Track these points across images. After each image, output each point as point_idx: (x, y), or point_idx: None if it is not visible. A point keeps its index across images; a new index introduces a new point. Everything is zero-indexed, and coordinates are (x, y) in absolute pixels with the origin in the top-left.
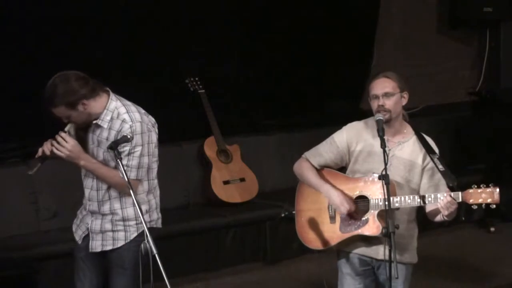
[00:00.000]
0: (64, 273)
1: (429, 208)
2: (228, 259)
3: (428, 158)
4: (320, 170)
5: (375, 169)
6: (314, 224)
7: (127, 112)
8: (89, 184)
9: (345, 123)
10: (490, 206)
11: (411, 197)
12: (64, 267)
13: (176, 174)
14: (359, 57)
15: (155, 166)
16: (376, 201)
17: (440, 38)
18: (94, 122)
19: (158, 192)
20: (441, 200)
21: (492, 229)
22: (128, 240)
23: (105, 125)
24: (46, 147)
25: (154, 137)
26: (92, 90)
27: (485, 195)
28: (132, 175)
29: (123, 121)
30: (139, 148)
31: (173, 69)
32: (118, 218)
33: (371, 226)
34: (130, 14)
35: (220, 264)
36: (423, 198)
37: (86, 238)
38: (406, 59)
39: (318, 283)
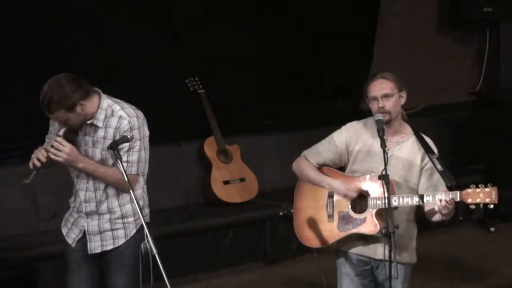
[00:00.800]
0: (64, 273)
1: (427, 207)
2: (228, 259)
3: (426, 158)
4: (319, 169)
5: (374, 168)
6: (312, 223)
7: (122, 108)
8: (83, 186)
9: (345, 123)
10: (488, 206)
11: (409, 196)
12: (64, 267)
13: (176, 174)
14: (359, 57)
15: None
16: (374, 200)
17: (440, 38)
18: (89, 122)
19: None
20: (438, 201)
21: (492, 229)
22: (128, 237)
23: (100, 124)
24: (41, 154)
25: (147, 131)
26: (86, 91)
27: (483, 195)
28: (133, 170)
29: (120, 117)
30: (138, 143)
31: (173, 69)
32: (117, 216)
33: (369, 225)
34: (130, 14)
35: (220, 264)
36: (421, 197)
37: (81, 240)
38: (406, 59)
39: (318, 283)
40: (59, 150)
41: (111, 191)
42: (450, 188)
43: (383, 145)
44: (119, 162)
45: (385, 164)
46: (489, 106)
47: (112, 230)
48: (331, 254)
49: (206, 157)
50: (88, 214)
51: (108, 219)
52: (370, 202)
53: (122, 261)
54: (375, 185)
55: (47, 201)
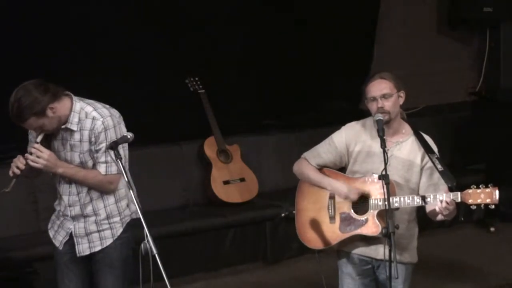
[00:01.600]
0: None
1: (429, 207)
2: (228, 259)
3: (427, 158)
4: (320, 170)
5: (375, 169)
6: (314, 224)
7: (95, 109)
8: (66, 191)
9: (345, 123)
10: (489, 206)
11: (411, 197)
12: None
13: (176, 174)
14: (359, 57)
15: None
16: (376, 201)
17: (440, 38)
18: (63, 126)
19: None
20: (439, 202)
21: (492, 229)
22: (116, 237)
23: (75, 128)
24: (20, 162)
25: (124, 128)
26: (54, 94)
27: (484, 196)
28: (113, 169)
29: (94, 118)
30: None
31: (173, 69)
32: (103, 217)
33: (371, 226)
34: (129, 14)
35: (220, 264)
36: (422, 198)
37: (68, 243)
38: (406, 59)
39: (318, 283)
40: (38, 157)
41: (94, 194)
42: (450, 189)
43: (383, 145)
44: (119, 162)
45: (385, 164)
46: (489, 106)
47: (98, 231)
48: (331, 255)
49: (206, 157)
50: (74, 218)
51: (94, 221)
52: (371, 203)
53: (110, 262)
54: (376, 186)
55: (47, 201)
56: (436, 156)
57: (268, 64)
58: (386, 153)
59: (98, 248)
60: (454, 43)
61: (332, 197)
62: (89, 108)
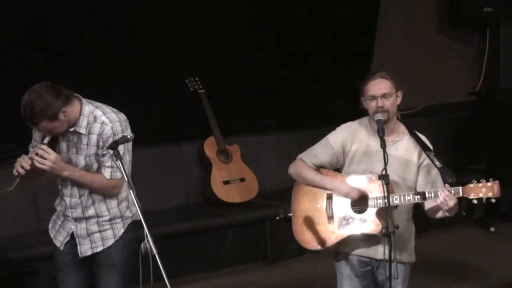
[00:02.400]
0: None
1: (429, 205)
2: (228, 259)
3: (423, 155)
4: (317, 170)
5: (372, 168)
6: (312, 225)
7: (104, 114)
8: (68, 193)
9: (345, 123)
10: (491, 200)
11: (411, 194)
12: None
13: (176, 174)
14: (359, 57)
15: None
16: (375, 200)
17: (440, 38)
18: (72, 129)
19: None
20: (441, 196)
21: (492, 229)
22: (117, 237)
23: (83, 131)
24: (25, 162)
25: (130, 133)
26: (66, 97)
27: (485, 189)
28: (118, 175)
29: (103, 123)
30: (121, 147)
31: (173, 69)
32: (105, 219)
33: (370, 225)
34: (129, 14)
35: (220, 264)
36: (423, 195)
37: (69, 243)
38: (406, 59)
39: (318, 283)
40: (44, 158)
41: (97, 197)
42: (451, 184)
43: (383, 145)
44: (119, 162)
45: (385, 164)
46: (489, 106)
47: (100, 232)
48: (328, 256)
49: (206, 157)
50: (75, 219)
51: (96, 222)
52: (371, 202)
53: (111, 262)
54: (374, 185)
55: (47, 201)
56: (433, 153)
57: (268, 64)
58: (386, 153)
59: (100, 249)
60: (454, 43)
61: (329, 197)
62: (98, 112)
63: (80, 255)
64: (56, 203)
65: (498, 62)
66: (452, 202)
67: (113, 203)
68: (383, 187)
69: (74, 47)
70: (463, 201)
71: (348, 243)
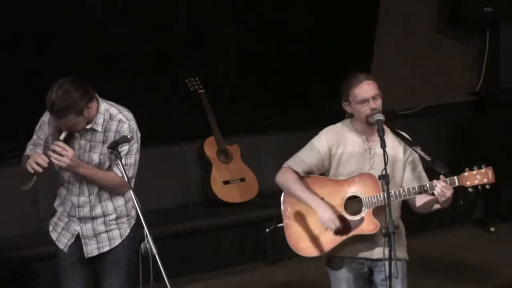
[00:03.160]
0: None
1: (421, 200)
2: (228, 259)
3: (408, 151)
4: (305, 177)
5: (359, 169)
6: (306, 232)
7: (120, 112)
8: (76, 191)
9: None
10: (486, 186)
11: (406, 189)
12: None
13: (176, 174)
14: (359, 57)
15: None
16: (369, 199)
17: (440, 38)
18: (88, 127)
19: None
20: (437, 188)
21: (492, 229)
22: (124, 237)
23: (100, 129)
24: (41, 159)
25: (139, 133)
26: (91, 94)
27: (480, 176)
28: (130, 173)
29: (120, 121)
30: (135, 146)
31: (173, 69)
32: (112, 218)
33: (368, 224)
34: (129, 14)
35: (220, 264)
36: (419, 188)
37: (73, 245)
38: (406, 59)
39: (318, 283)
40: (61, 155)
41: (105, 195)
42: (445, 175)
43: (383, 145)
44: (119, 162)
45: (385, 164)
46: (489, 106)
47: (107, 231)
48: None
49: (206, 157)
50: (82, 219)
51: (103, 222)
52: (365, 201)
53: (117, 261)
54: (366, 184)
55: (47, 201)
56: (420, 148)
57: (268, 64)
58: (386, 153)
59: (106, 249)
60: (454, 43)
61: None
62: (114, 110)
63: (86, 256)
64: (56, 204)
65: (498, 62)
66: (449, 193)
67: (120, 201)
68: (382, 187)
69: (74, 47)
70: (459, 189)
71: (343, 246)
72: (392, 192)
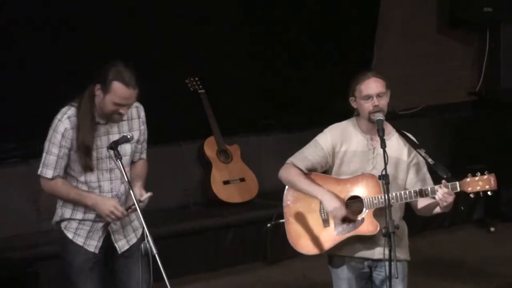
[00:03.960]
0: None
1: (423, 203)
2: (228, 259)
3: (413, 153)
4: (308, 175)
5: (362, 168)
6: (306, 230)
7: None
8: (108, 188)
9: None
10: (488, 193)
11: (407, 192)
12: (63, 268)
13: (176, 174)
14: (359, 57)
15: None
16: (371, 200)
17: (440, 38)
18: None
19: None
20: (439, 193)
21: (492, 229)
22: (142, 227)
23: (125, 118)
24: (122, 215)
25: None
26: None
27: (482, 183)
28: (144, 155)
29: (136, 107)
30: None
31: (173, 69)
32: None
33: (368, 225)
34: (130, 14)
35: (220, 264)
36: (420, 192)
37: (102, 247)
38: (406, 59)
39: (318, 283)
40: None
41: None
42: (447, 180)
43: (383, 145)
44: (119, 162)
45: (385, 164)
46: (489, 106)
47: (131, 221)
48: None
49: (206, 157)
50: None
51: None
52: (366, 202)
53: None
54: (368, 185)
55: (47, 201)
56: (424, 150)
57: (268, 64)
58: (386, 153)
59: (134, 240)
60: (454, 43)
61: None
62: None
63: (119, 252)
64: (71, 214)
65: (498, 62)
66: (451, 198)
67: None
68: (383, 187)
69: (73, 46)
70: (460, 194)
71: (344, 245)
72: (393, 194)
